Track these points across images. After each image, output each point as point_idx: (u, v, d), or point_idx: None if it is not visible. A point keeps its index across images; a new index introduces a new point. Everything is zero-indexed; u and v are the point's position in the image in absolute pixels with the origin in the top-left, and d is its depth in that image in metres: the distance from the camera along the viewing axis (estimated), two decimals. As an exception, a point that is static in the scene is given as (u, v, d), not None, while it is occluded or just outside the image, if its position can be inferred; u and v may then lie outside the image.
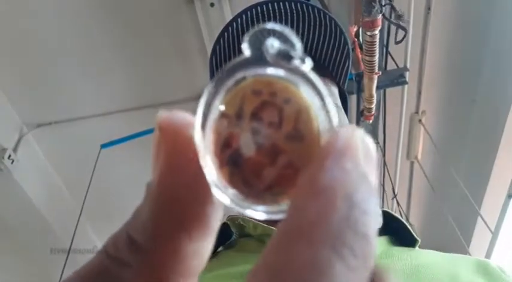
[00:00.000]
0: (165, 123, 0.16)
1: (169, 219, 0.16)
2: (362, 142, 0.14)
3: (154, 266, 0.15)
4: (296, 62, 0.15)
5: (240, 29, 0.63)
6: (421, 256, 0.50)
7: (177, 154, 0.15)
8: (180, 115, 0.16)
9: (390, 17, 0.95)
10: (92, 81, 1.72)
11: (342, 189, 0.13)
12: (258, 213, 0.16)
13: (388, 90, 1.71)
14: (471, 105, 1.85)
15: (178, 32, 1.60)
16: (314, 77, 0.15)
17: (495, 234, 1.70)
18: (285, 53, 0.15)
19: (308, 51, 0.63)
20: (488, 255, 1.80)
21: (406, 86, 1.73)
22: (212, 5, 1.48)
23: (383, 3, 0.88)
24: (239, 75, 0.15)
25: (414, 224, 2.25)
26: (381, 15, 0.88)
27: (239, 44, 0.63)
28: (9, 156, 1.62)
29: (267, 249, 0.13)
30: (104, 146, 1.68)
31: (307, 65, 0.15)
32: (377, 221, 0.13)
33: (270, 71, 0.15)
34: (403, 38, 0.96)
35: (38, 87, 1.71)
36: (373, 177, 0.14)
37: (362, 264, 0.12)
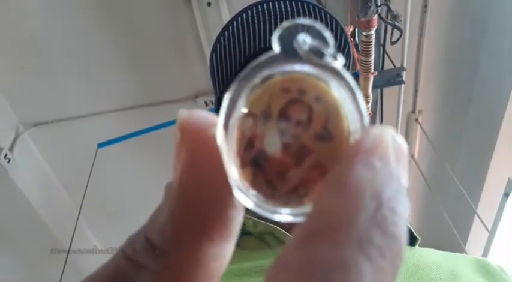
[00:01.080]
0: (186, 122, 0.15)
1: (189, 222, 0.15)
2: (393, 140, 0.14)
3: (174, 270, 0.15)
4: (328, 59, 0.14)
5: (240, 28, 0.62)
6: (422, 255, 0.51)
7: (199, 154, 0.15)
8: (201, 114, 0.15)
9: (387, 17, 0.95)
10: (89, 80, 1.71)
11: (370, 188, 0.12)
12: (284, 216, 0.15)
13: (385, 89, 1.71)
14: (468, 104, 1.85)
15: (175, 31, 1.60)
16: (346, 74, 0.14)
17: (492, 233, 1.70)
18: (317, 49, 0.14)
19: None
20: (485, 253, 1.81)
21: (402, 85, 1.73)
22: (209, 4, 1.49)
23: (378, 4, 0.88)
24: (266, 72, 0.15)
25: (411, 222, 2.26)
26: (376, 15, 0.88)
27: (239, 43, 0.63)
28: (6, 155, 1.61)
29: (288, 248, 0.12)
30: (100, 145, 1.67)
31: (339, 62, 0.14)
32: (407, 220, 0.13)
33: (299, 67, 0.14)
34: (398, 39, 0.97)
35: (35, 86, 1.70)
36: (405, 176, 0.14)
37: (390, 264, 0.12)
